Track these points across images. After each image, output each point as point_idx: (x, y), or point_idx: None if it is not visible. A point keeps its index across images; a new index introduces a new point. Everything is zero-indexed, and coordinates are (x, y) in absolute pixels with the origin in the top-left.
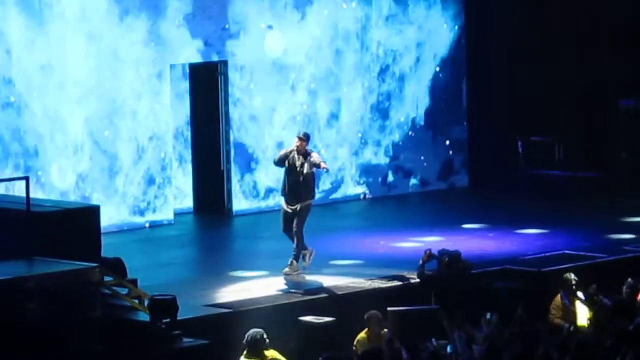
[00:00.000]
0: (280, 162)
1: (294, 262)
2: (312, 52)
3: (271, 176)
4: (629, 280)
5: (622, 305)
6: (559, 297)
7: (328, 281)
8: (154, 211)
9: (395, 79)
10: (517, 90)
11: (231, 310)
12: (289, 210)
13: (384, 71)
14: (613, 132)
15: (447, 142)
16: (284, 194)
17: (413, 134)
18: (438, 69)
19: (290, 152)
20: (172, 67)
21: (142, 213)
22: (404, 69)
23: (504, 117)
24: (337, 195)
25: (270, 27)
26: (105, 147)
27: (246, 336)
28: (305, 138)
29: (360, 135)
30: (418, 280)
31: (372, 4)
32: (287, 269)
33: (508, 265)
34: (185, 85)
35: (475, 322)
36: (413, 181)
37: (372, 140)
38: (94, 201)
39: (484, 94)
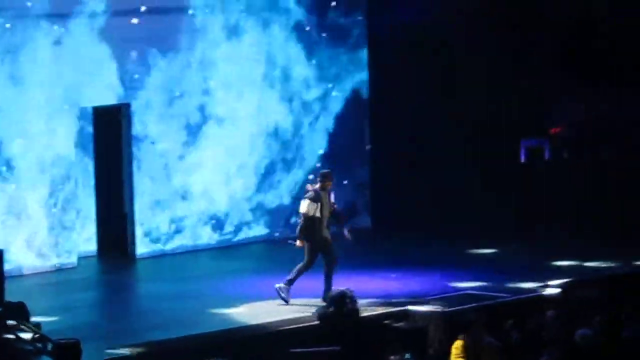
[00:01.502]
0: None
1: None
2: (216, 93)
3: (174, 217)
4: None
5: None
6: (461, 337)
7: (230, 322)
8: (58, 255)
9: (299, 119)
10: (419, 131)
11: (134, 354)
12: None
13: (288, 111)
14: (514, 171)
15: (349, 184)
16: (319, 227)
17: (316, 175)
18: (341, 111)
19: (318, 194)
20: (76, 109)
21: (45, 256)
22: (308, 110)
23: (406, 158)
24: (240, 236)
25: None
26: (8, 189)
27: None
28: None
29: (263, 176)
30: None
31: (277, 45)
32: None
33: (411, 306)
34: (89, 127)
35: None
36: None
37: (275, 181)
38: None
39: (386, 136)
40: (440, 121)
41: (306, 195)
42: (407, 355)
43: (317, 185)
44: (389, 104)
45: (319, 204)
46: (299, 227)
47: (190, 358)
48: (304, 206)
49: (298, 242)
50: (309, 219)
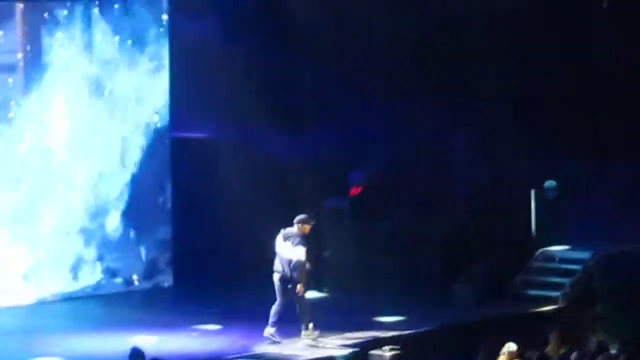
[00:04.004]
0: None
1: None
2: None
3: None
4: None
5: None
6: None
7: None
8: None
9: (100, 176)
10: (221, 189)
11: None
12: None
13: (90, 163)
14: (318, 232)
15: (151, 241)
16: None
17: (118, 233)
18: (142, 167)
19: (307, 239)
20: None
21: None
22: (108, 167)
23: (209, 216)
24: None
25: None
26: None
27: None
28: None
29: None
30: None
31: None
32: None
33: None
34: None
35: None
36: (118, 280)
37: (79, 238)
38: None
39: (187, 194)
40: (242, 179)
41: (298, 242)
42: None
43: (295, 230)
44: (190, 160)
45: (307, 248)
46: (297, 274)
47: None
48: (302, 253)
49: (299, 287)
50: (303, 264)
